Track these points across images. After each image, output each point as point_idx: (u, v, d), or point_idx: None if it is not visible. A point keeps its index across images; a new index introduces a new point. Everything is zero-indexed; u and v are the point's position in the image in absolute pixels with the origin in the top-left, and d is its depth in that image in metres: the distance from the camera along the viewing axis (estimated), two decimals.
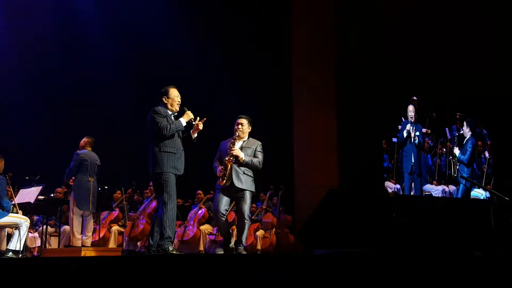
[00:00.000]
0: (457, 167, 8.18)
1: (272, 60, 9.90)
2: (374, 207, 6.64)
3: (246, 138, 5.94)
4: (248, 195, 5.73)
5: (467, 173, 8.14)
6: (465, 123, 8.41)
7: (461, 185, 8.17)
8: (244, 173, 5.72)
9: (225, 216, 5.72)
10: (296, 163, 8.00)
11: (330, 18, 8.11)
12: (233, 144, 5.76)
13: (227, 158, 5.69)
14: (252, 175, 5.81)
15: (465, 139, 8.37)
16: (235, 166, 5.69)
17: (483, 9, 8.54)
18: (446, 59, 8.38)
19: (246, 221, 5.69)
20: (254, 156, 5.82)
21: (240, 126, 5.88)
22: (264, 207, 9.01)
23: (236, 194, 5.73)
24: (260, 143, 5.96)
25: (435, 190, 7.99)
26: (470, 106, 8.58)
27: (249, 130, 5.98)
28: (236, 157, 5.68)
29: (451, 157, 8.17)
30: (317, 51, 8.08)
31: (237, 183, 5.66)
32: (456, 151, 8.25)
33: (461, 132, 8.38)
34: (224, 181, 5.65)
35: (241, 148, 5.82)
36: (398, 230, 6.48)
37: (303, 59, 8.18)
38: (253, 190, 5.83)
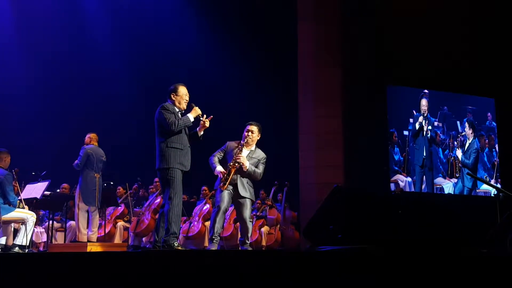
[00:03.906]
0: (459, 167, 8.06)
1: (278, 57, 9.89)
2: (379, 204, 6.64)
3: (253, 147, 5.86)
4: (249, 203, 5.78)
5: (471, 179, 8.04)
6: (466, 125, 8.28)
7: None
8: (247, 183, 5.76)
9: (224, 215, 5.75)
10: (302, 160, 7.99)
11: (336, 14, 8.09)
12: (240, 150, 5.70)
13: (231, 164, 5.65)
14: (253, 186, 5.87)
15: (469, 143, 8.24)
16: (239, 176, 5.69)
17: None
18: (451, 53, 8.35)
19: (249, 223, 5.79)
20: (256, 167, 5.79)
21: (250, 134, 5.80)
22: (269, 202, 9.02)
23: (238, 199, 5.75)
24: (265, 156, 5.90)
25: (446, 183, 7.92)
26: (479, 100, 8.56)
27: (258, 138, 5.89)
28: (241, 164, 5.65)
29: (453, 158, 8.07)
30: (323, 48, 8.07)
31: (242, 192, 5.69)
32: (459, 153, 8.12)
33: (464, 133, 8.25)
34: (226, 186, 5.63)
35: (247, 157, 5.76)
36: (403, 227, 6.48)
37: (309, 56, 8.16)
38: (254, 199, 6.02)
